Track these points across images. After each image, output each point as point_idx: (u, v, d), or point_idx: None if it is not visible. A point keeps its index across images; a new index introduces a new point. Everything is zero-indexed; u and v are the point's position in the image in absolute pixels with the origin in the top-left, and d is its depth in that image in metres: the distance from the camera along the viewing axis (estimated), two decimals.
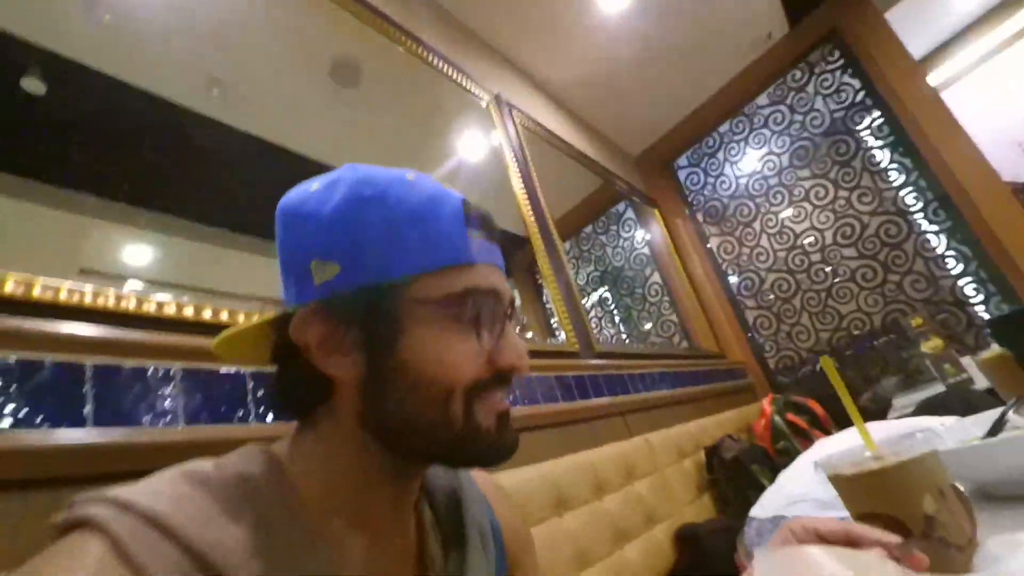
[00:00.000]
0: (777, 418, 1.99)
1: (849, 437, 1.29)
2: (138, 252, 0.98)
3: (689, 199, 3.21)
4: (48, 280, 0.63)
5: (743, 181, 2.99)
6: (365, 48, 1.60)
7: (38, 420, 0.54)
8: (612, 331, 2.97)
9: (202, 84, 1.23)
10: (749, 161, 2.99)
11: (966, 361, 1.74)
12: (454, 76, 1.83)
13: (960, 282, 2.37)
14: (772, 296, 2.85)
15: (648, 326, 2.92)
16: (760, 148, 2.94)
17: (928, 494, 0.43)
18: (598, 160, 2.74)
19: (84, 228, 0.90)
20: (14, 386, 0.53)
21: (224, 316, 0.81)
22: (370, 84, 1.72)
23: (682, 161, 3.26)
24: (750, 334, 2.91)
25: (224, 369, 0.72)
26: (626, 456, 1.36)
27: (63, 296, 0.64)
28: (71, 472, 0.53)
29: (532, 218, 1.86)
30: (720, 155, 3.10)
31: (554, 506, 1.06)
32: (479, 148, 2.01)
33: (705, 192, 3.16)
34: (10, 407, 0.52)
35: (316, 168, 0.45)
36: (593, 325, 2.58)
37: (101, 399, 0.59)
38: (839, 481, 0.50)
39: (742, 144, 3.01)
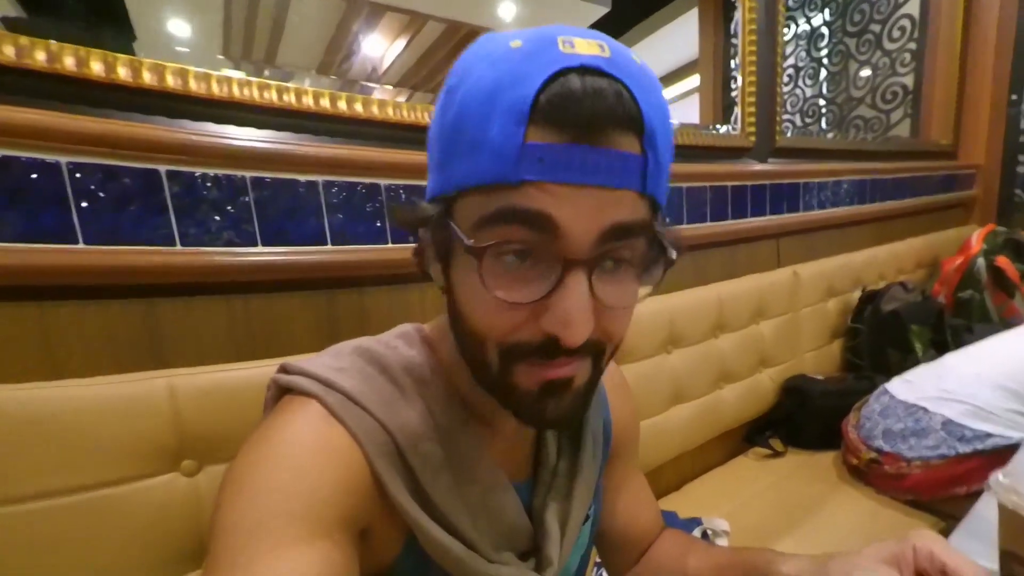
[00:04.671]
0: (980, 260, 1.61)
1: None
2: None
3: None
4: None
5: None
6: None
7: None
8: (810, 90, 2.31)
9: None
10: None
11: None
12: None
13: None
14: None
15: (865, 74, 2.20)
16: None
17: None
18: None
19: None
20: None
21: None
22: None
23: None
24: (1016, 122, 2.10)
25: None
26: (762, 292, 1.25)
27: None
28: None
29: None
30: None
31: (664, 343, 1.06)
32: None
33: None
34: None
35: None
36: (785, 85, 2.03)
37: None
38: (1009, 516, 0.42)
39: None
